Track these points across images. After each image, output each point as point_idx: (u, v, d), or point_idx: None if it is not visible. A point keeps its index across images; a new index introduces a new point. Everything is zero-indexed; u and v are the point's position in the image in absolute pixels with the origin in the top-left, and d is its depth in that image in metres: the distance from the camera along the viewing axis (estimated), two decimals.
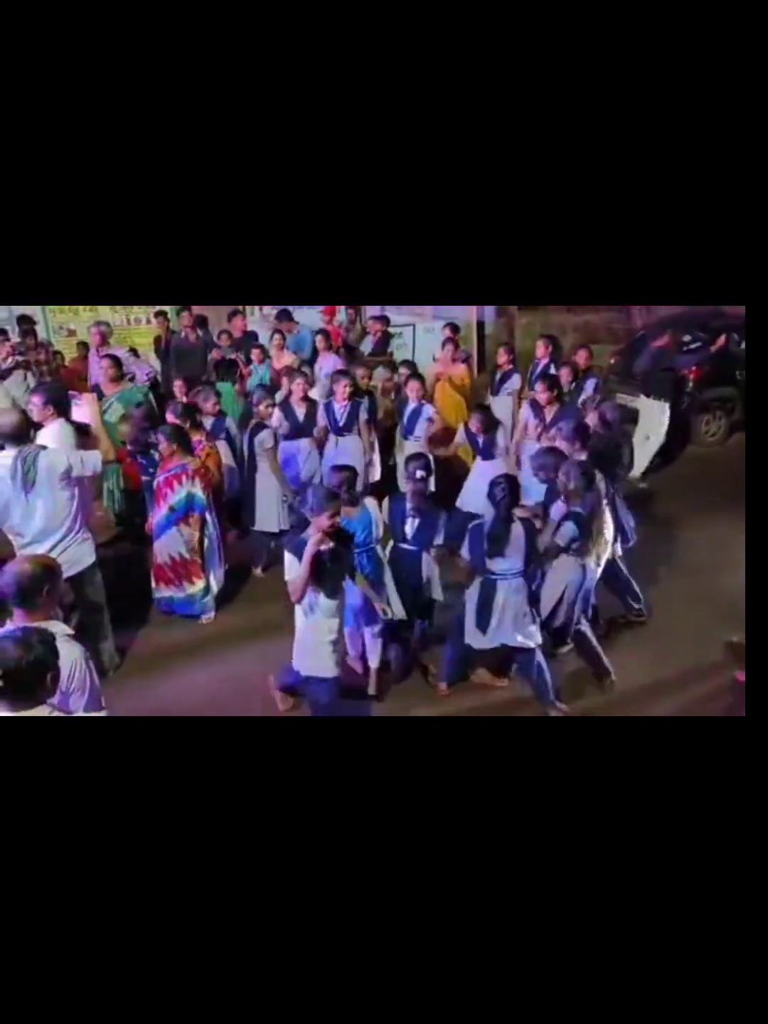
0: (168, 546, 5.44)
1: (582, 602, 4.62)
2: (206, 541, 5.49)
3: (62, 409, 4.74)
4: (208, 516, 5.48)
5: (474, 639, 4.45)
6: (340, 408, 6.44)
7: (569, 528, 4.34)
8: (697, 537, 6.47)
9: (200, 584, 5.55)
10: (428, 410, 6.64)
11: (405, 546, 4.67)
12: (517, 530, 4.20)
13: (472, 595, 4.42)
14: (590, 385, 7.02)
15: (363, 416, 6.49)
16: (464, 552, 4.40)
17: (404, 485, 5.47)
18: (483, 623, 4.37)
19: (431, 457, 5.34)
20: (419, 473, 4.57)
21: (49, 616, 2.86)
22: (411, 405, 6.68)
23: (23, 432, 4.21)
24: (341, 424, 6.47)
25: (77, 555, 4.44)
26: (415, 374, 6.90)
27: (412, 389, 6.63)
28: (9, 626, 2.55)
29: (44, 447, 4.27)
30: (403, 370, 7.26)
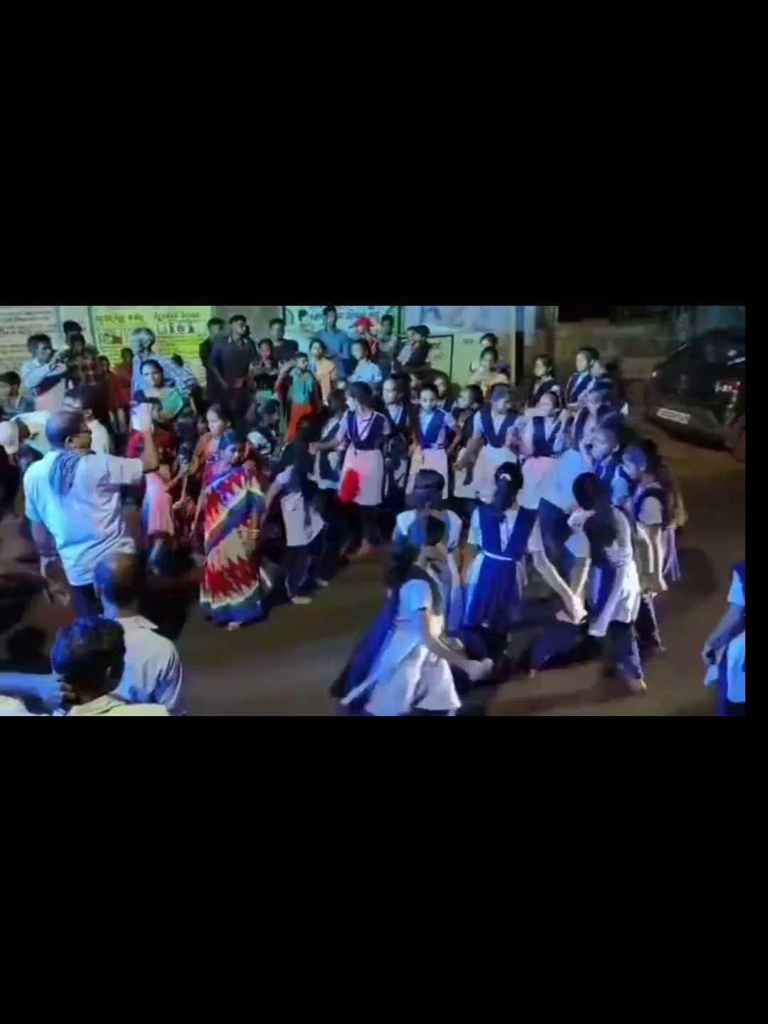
0: (227, 551, 5.43)
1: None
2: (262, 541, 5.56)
3: (98, 411, 4.86)
4: (261, 516, 5.53)
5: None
6: (362, 422, 6.43)
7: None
8: (700, 538, 6.27)
9: (256, 585, 5.59)
10: (448, 417, 6.70)
11: (498, 557, 4.52)
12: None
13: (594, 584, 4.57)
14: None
15: (385, 432, 6.46)
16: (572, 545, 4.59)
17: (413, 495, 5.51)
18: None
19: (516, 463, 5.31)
20: (505, 477, 4.50)
21: (134, 612, 2.91)
22: (429, 414, 6.67)
23: (68, 435, 4.15)
24: (362, 438, 6.44)
25: None
26: (430, 384, 6.96)
27: (426, 398, 6.66)
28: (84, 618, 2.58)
29: (88, 453, 4.24)
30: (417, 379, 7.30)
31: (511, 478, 4.48)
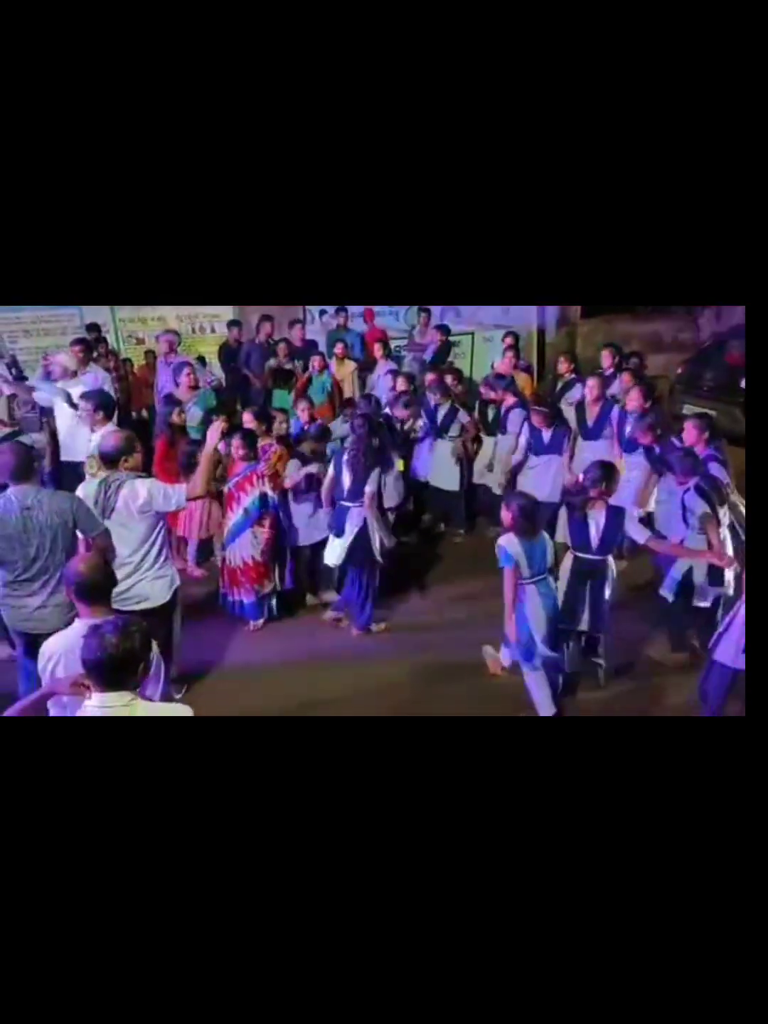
0: (241, 550, 5.47)
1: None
2: (277, 542, 5.56)
3: (110, 413, 4.82)
4: (280, 515, 5.56)
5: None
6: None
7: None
8: None
9: (269, 586, 5.62)
10: (464, 415, 6.84)
11: (590, 556, 4.47)
12: None
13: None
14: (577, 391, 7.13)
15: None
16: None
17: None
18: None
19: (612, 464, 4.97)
20: (593, 478, 4.39)
21: (109, 611, 2.96)
22: (445, 408, 6.80)
23: (116, 457, 4.01)
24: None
25: (146, 591, 4.10)
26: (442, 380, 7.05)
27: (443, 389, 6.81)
28: (110, 618, 2.59)
29: (137, 476, 4.05)
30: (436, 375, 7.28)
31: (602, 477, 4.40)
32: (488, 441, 6.98)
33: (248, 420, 5.75)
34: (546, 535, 4.39)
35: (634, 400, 6.04)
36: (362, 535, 5.28)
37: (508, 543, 4.26)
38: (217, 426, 4.28)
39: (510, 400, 6.70)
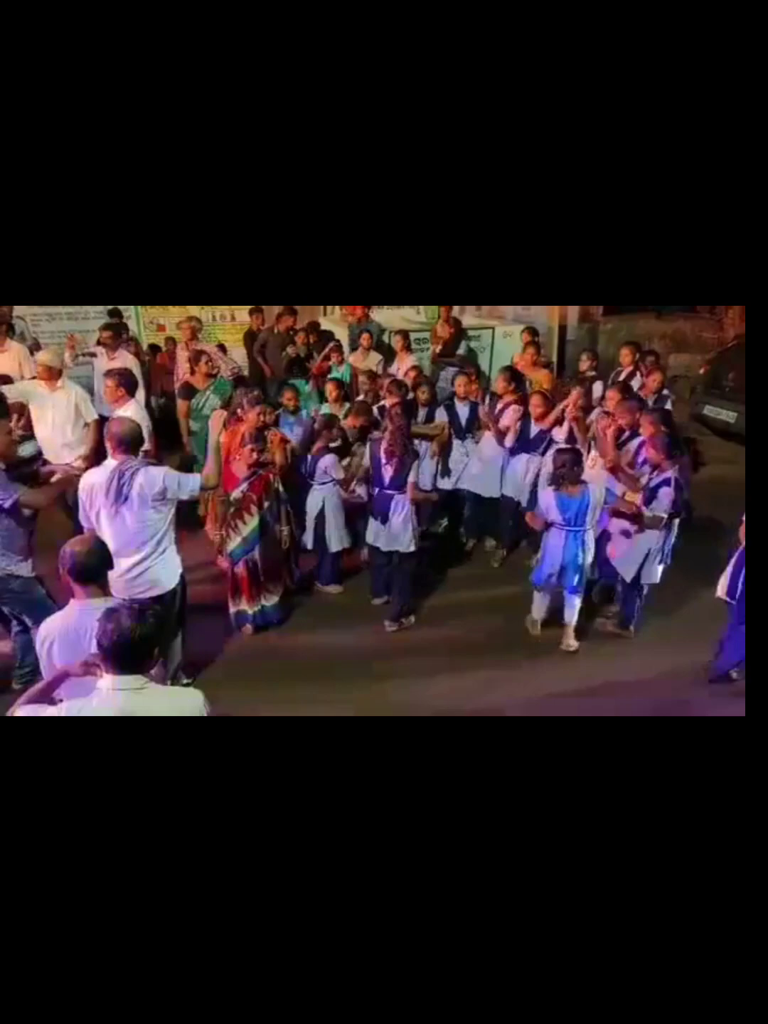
0: (264, 550, 5.22)
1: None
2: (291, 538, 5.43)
3: (133, 390, 4.83)
4: (291, 510, 5.42)
5: None
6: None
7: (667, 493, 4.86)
8: (702, 537, 6.15)
9: (281, 586, 5.44)
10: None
11: None
12: None
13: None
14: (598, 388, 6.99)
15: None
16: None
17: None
18: None
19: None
20: None
21: (104, 593, 2.99)
22: (465, 406, 6.53)
23: (134, 443, 4.01)
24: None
25: (156, 577, 4.16)
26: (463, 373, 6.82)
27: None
28: (119, 600, 2.62)
29: (150, 464, 4.05)
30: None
31: None
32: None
33: (254, 407, 5.43)
34: (593, 494, 4.84)
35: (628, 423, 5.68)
36: (405, 521, 5.32)
37: (543, 492, 5.11)
38: (218, 416, 4.29)
39: (508, 400, 6.35)
